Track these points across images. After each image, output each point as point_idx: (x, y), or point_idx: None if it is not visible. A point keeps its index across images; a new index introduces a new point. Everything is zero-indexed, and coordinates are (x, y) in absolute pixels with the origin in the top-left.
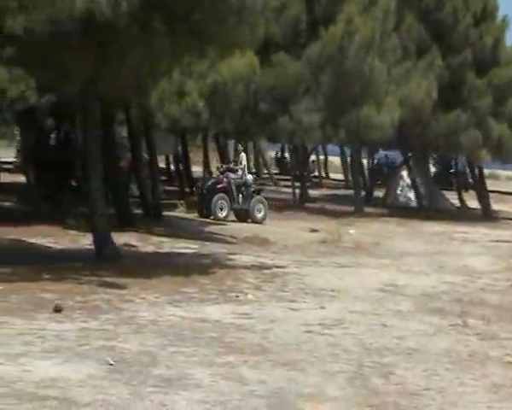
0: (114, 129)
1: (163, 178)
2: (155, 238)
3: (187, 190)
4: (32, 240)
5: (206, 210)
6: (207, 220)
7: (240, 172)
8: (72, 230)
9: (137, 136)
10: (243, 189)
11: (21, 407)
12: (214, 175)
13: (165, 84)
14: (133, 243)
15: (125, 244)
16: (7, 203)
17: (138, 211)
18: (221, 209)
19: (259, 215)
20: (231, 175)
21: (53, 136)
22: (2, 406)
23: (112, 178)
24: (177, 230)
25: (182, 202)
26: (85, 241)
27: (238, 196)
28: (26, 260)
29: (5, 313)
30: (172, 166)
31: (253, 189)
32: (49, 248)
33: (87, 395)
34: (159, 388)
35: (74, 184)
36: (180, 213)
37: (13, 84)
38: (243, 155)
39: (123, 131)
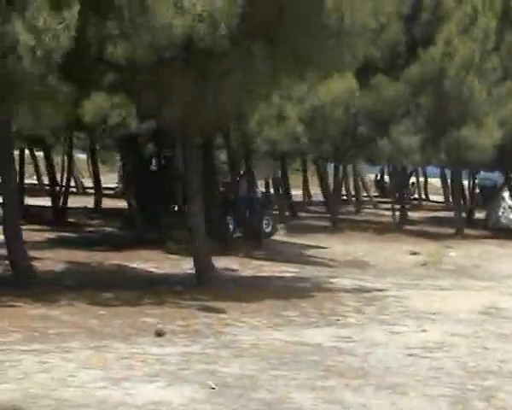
0: (214, 154)
1: None
2: (255, 262)
3: (287, 213)
4: (134, 265)
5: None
6: (308, 243)
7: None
8: (173, 254)
9: (237, 160)
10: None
11: None
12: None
13: (264, 109)
14: (233, 266)
15: (226, 268)
16: (109, 229)
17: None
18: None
19: (267, 230)
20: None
21: (154, 161)
22: None
23: (212, 203)
24: (276, 253)
25: (282, 225)
26: (186, 265)
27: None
28: (128, 285)
29: (107, 337)
30: (272, 190)
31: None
32: (151, 272)
33: None
34: None
35: (175, 208)
36: (280, 236)
37: (114, 110)
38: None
39: (222, 156)
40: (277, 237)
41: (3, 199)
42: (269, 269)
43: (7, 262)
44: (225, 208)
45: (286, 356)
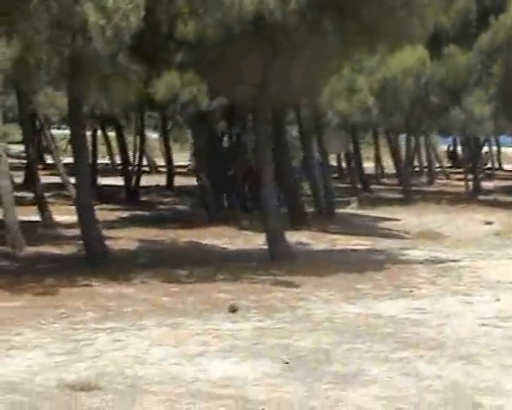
0: (285, 129)
1: (334, 175)
2: (328, 236)
3: (359, 186)
4: (207, 242)
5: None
6: (380, 216)
7: None
8: (246, 230)
9: (308, 134)
10: None
11: (198, 406)
12: None
13: (334, 82)
14: (306, 241)
15: (299, 243)
16: (182, 206)
17: (311, 209)
18: None
19: None
20: None
21: (225, 138)
22: (180, 405)
23: (284, 178)
24: (349, 227)
25: (354, 198)
26: (259, 241)
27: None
28: (201, 262)
29: (181, 314)
30: (344, 164)
31: None
32: (224, 249)
33: (263, 394)
34: (334, 384)
35: (247, 185)
36: (352, 209)
37: (184, 88)
38: None
39: (294, 131)
40: (350, 210)
41: (76, 180)
42: (342, 242)
43: (81, 242)
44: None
45: (360, 329)
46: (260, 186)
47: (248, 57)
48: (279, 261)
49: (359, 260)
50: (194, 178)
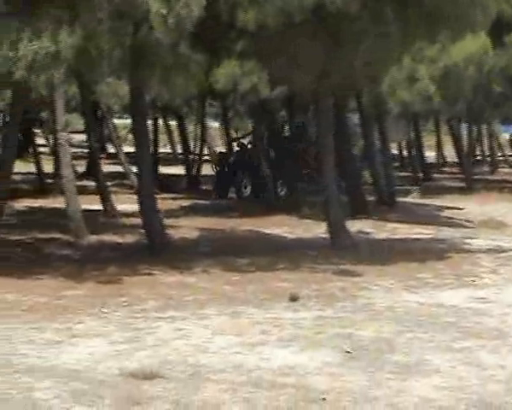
0: (346, 117)
1: (396, 164)
2: (389, 225)
3: (420, 175)
4: (267, 230)
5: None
6: (442, 205)
7: None
8: (307, 219)
9: (369, 123)
10: None
11: (259, 394)
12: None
13: (396, 71)
14: (367, 230)
15: (360, 232)
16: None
17: (372, 198)
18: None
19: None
20: None
21: (286, 127)
22: (242, 394)
23: (345, 166)
24: (411, 215)
25: (415, 187)
26: (320, 230)
27: None
28: (262, 251)
29: (242, 303)
30: (405, 152)
31: None
32: (284, 237)
33: (324, 383)
34: (396, 374)
35: (308, 173)
36: (414, 198)
37: (245, 77)
38: None
39: (355, 119)
40: (411, 198)
41: (138, 169)
42: (403, 231)
43: (142, 231)
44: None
45: (421, 318)
46: (321, 174)
47: (309, 46)
48: (340, 250)
49: (421, 249)
50: None
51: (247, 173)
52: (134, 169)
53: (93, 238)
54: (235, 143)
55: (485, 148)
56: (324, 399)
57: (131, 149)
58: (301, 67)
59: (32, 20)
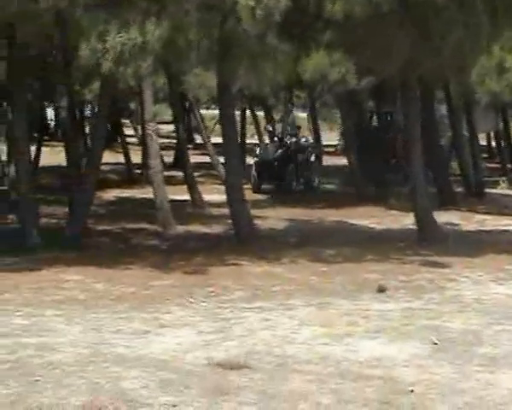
0: (434, 107)
1: (484, 155)
2: (478, 216)
3: (509, 166)
4: (354, 221)
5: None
6: None
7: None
8: (394, 210)
9: (457, 113)
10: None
11: (346, 385)
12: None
13: (484, 60)
14: (455, 221)
15: (447, 223)
16: (330, 186)
17: (460, 189)
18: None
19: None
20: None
21: (374, 117)
22: (329, 385)
23: (432, 157)
24: (500, 207)
25: (504, 178)
26: (407, 221)
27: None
28: (349, 242)
29: (330, 293)
30: (493, 143)
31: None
32: (371, 228)
33: (412, 375)
34: (484, 367)
35: (396, 164)
36: (502, 189)
37: (333, 67)
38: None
39: (442, 109)
40: (500, 190)
41: (226, 159)
42: (492, 223)
43: (230, 221)
44: None
45: (510, 311)
46: (409, 164)
47: (396, 35)
48: (428, 242)
49: (509, 240)
50: (343, 158)
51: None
52: (221, 160)
53: (180, 228)
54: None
55: None
56: (412, 391)
57: (219, 140)
58: (389, 57)
59: (119, 12)
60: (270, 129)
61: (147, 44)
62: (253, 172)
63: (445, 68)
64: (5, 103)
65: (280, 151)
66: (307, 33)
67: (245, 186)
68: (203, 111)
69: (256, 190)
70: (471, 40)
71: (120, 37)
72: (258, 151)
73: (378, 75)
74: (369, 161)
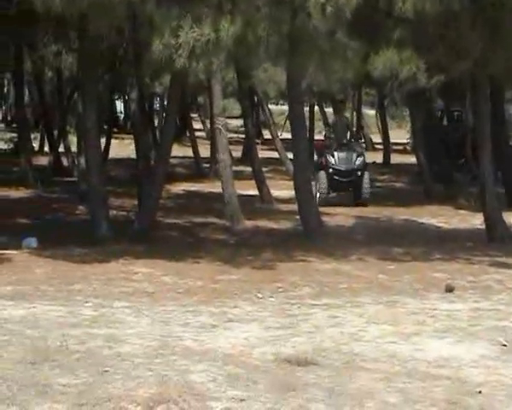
0: (504, 107)
1: None
2: None
3: None
4: (423, 220)
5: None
6: None
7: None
8: (462, 209)
9: None
10: None
11: (413, 385)
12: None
13: None
14: None
15: None
16: (398, 184)
17: None
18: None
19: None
20: None
21: (444, 116)
22: (396, 384)
23: (501, 157)
24: None
25: None
26: (476, 221)
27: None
28: (418, 240)
29: (397, 292)
30: None
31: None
32: (440, 228)
33: (480, 376)
34: None
35: (465, 163)
36: None
37: (403, 65)
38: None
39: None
40: None
41: (294, 155)
42: None
43: (298, 217)
44: None
45: None
46: (478, 164)
47: (468, 34)
48: (496, 242)
49: None
50: (412, 156)
51: None
52: (290, 155)
53: (248, 223)
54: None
55: None
56: (480, 392)
57: (288, 136)
58: (460, 56)
59: (192, 8)
60: (332, 135)
61: (220, 40)
62: (321, 183)
63: None
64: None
65: (360, 159)
66: (377, 31)
67: None
68: (271, 106)
69: (322, 204)
70: None
71: (193, 32)
72: (328, 159)
73: (448, 74)
74: (438, 160)
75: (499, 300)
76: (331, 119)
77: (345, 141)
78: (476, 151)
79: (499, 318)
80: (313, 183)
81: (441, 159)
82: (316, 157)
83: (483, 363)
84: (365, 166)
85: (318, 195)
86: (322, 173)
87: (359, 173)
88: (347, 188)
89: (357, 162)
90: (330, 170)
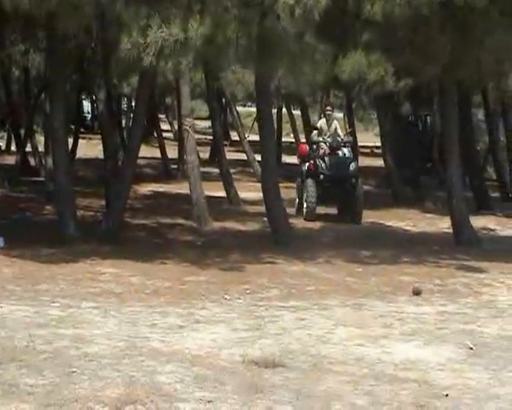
0: (471, 112)
1: None
2: None
3: None
4: (390, 223)
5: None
6: None
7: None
8: (430, 213)
9: (494, 118)
10: None
11: (381, 387)
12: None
13: None
14: (491, 226)
15: (483, 228)
16: (365, 187)
17: (495, 194)
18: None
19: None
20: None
21: (410, 120)
22: (363, 386)
23: (469, 161)
24: None
25: None
26: (443, 224)
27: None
28: (385, 243)
29: (365, 295)
30: None
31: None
32: (407, 231)
33: (446, 379)
34: None
35: (431, 167)
36: None
37: (371, 68)
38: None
39: (479, 114)
40: None
41: (262, 157)
42: None
43: (265, 219)
44: None
45: None
46: (446, 168)
47: (436, 38)
48: (463, 246)
49: None
50: (379, 159)
51: None
52: (257, 157)
53: (216, 225)
54: None
55: None
56: (447, 395)
57: (256, 138)
58: (428, 60)
59: (161, 7)
60: (320, 139)
61: (189, 41)
62: (309, 192)
63: (483, 72)
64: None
65: (354, 165)
66: (346, 33)
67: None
68: (239, 108)
69: (310, 217)
70: (509, 44)
71: (162, 32)
72: (318, 165)
73: (416, 77)
74: (406, 164)
75: (466, 303)
76: (318, 121)
77: (334, 144)
78: (443, 155)
79: (466, 321)
80: (296, 192)
81: (408, 162)
82: (300, 163)
83: (450, 366)
84: (358, 172)
85: (305, 206)
86: (310, 181)
87: (353, 181)
88: (339, 198)
89: (351, 168)
90: (321, 177)
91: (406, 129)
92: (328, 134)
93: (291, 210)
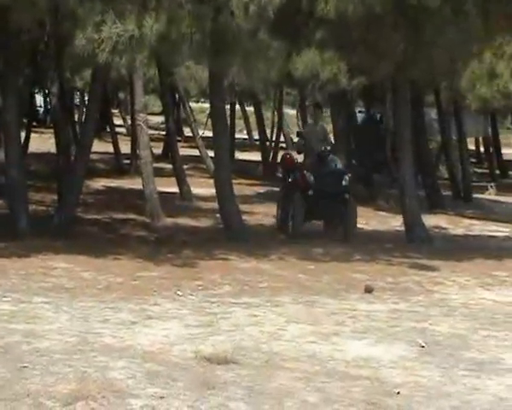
0: (424, 111)
1: (472, 160)
2: (465, 221)
3: (497, 172)
4: None
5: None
6: None
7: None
8: (382, 211)
9: (447, 117)
10: None
11: (332, 384)
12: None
13: (475, 66)
14: (443, 225)
15: (435, 226)
16: None
17: (448, 193)
18: None
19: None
20: None
21: (363, 118)
22: (315, 384)
23: (421, 160)
24: (487, 212)
25: (492, 184)
26: (395, 222)
27: None
28: (337, 241)
29: (317, 292)
30: (482, 148)
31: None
32: (360, 229)
33: (398, 377)
34: (471, 371)
35: (384, 165)
36: (490, 195)
37: (324, 66)
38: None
39: (432, 113)
40: (488, 195)
41: (215, 153)
42: (479, 228)
43: (218, 216)
44: None
45: (497, 316)
46: (398, 166)
47: (389, 36)
48: (415, 244)
49: (497, 246)
50: None
51: None
52: (210, 153)
53: (169, 221)
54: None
55: None
56: (398, 393)
57: (209, 134)
58: (380, 58)
59: (116, 3)
60: (303, 142)
61: (143, 37)
62: (297, 208)
63: (436, 71)
64: None
65: (347, 177)
66: (299, 31)
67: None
68: (192, 104)
69: (297, 234)
70: (462, 44)
71: (116, 28)
72: (308, 178)
73: (369, 76)
74: (358, 162)
75: (418, 301)
76: (305, 127)
77: (324, 153)
78: (395, 153)
79: (418, 319)
80: (277, 206)
81: (361, 161)
82: (284, 174)
83: (401, 364)
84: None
85: (291, 223)
86: (297, 196)
87: (347, 196)
88: (328, 215)
89: (344, 183)
90: (310, 192)
91: (358, 127)
92: (316, 141)
93: (244, 207)
